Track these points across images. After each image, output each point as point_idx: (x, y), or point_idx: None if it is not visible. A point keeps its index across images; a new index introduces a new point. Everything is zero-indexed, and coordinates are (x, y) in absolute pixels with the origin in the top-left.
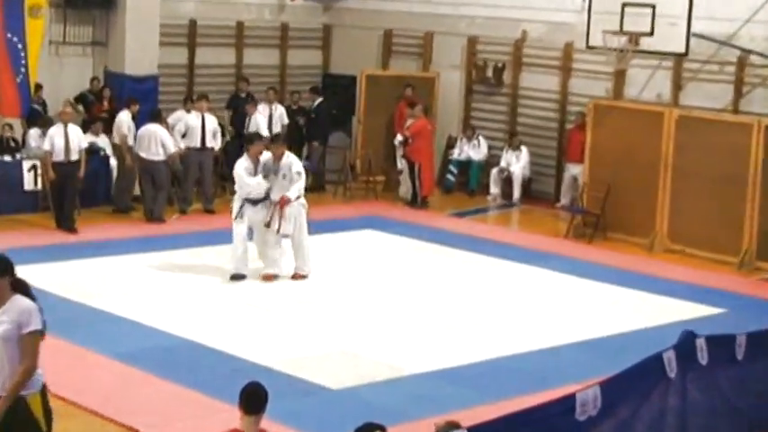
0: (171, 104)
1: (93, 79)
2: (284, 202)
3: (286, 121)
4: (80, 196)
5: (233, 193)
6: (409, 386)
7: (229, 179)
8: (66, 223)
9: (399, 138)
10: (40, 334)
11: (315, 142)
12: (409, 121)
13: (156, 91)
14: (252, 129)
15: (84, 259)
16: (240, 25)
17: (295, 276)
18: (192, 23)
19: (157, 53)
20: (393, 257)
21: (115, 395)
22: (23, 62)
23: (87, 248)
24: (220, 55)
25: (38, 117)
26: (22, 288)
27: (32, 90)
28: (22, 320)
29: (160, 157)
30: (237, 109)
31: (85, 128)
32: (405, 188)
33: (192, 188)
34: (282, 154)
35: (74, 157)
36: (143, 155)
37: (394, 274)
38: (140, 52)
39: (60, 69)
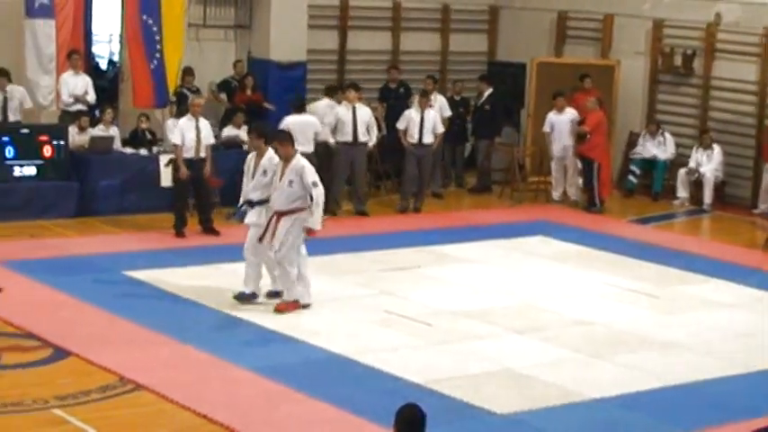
0: (320, 94)
1: (237, 62)
2: (311, 233)
3: (448, 113)
4: (221, 194)
5: (389, 192)
6: (585, 412)
7: (384, 177)
8: (205, 225)
9: (546, 128)
10: None
11: (483, 138)
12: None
13: (304, 79)
14: (404, 122)
15: (224, 264)
16: (397, 6)
17: (278, 307)
18: (344, 5)
19: (305, 37)
20: (565, 268)
21: (257, 412)
22: (158, 47)
23: (228, 252)
24: (375, 39)
25: (184, 104)
26: None
27: (174, 77)
28: None
29: (311, 149)
30: (390, 100)
31: (226, 119)
32: (559, 192)
33: (343, 187)
34: (292, 156)
35: (203, 153)
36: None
37: (566, 287)
38: (287, 36)
39: (200, 54)
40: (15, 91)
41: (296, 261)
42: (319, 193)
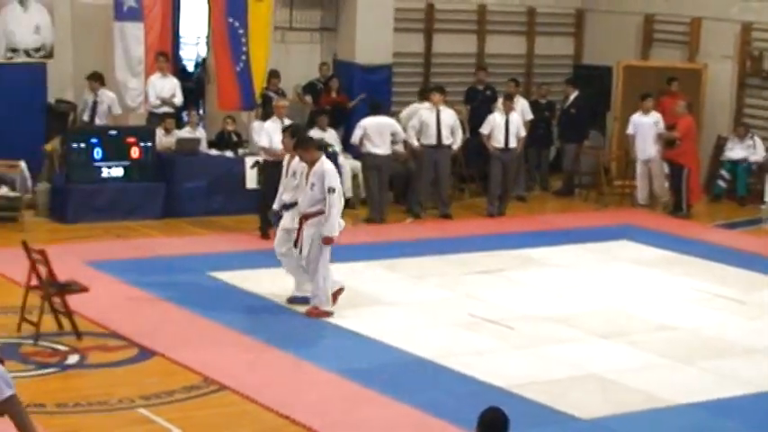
0: (405, 97)
1: (323, 65)
2: (326, 241)
3: (530, 116)
4: None
5: (473, 195)
6: (671, 418)
7: (469, 180)
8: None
9: (630, 130)
10: (12, 399)
11: (569, 142)
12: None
13: (390, 82)
14: (488, 127)
15: None
16: (482, 9)
17: (309, 312)
18: (430, 7)
19: (391, 40)
20: (650, 272)
21: (340, 414)
22: (244, 49)
23: None
24: (460, 42)
25: (268, 107)
26: None
27: (260, 79)
28: None
29: (388, 151)
30: (475, 103)
31: (311, 121)
32: (643, 195)
33: (427, 190)
34: (316, 159)
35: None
36: (373, 150)
37: (651, 292)
38: (373, 39)
39: (287, 57)
40: (105, 96)
41: (324, 267)
42: (334, 199)
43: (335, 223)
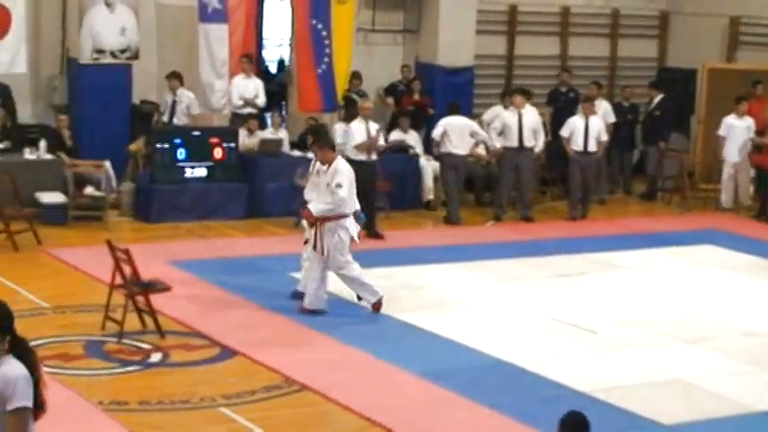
0: (487, 99)
1: (405, 66)
2: (306, 215)
3: (612, 119)
4: (387, 199)
5: (555, 198)
6: (756, 426)
7: (551, 183)
8: (370, 229)
9: (722, 131)
10: (26, 411)
11: (653, 144)
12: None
13: (471, 84)
14: (567, 130)
15: (388, 267)
16: (566, 11)
17: (302, 309)
18: (513, 9)
19: (473, 42)
20: (734, 277)
21: (421, 416)
22: (327, 51)
23: (392, 255)
24: (542, 44)
25: (351, 107)
26: (21, 349)
27: (342, 81)
28: (5, 393)
29: (466, 151)
30: (558, 105)
31: (393, 123)
32: (726, 196)
33: (509, 193)
34: (332, 159)
35: (374, 156)
36: (452, 150)
37: (735, 297)
38: (455, 41)
39: (369, 59)
40: (184, 95)
41: (350, 264)
42: (339, 195)
43: (325, 207)
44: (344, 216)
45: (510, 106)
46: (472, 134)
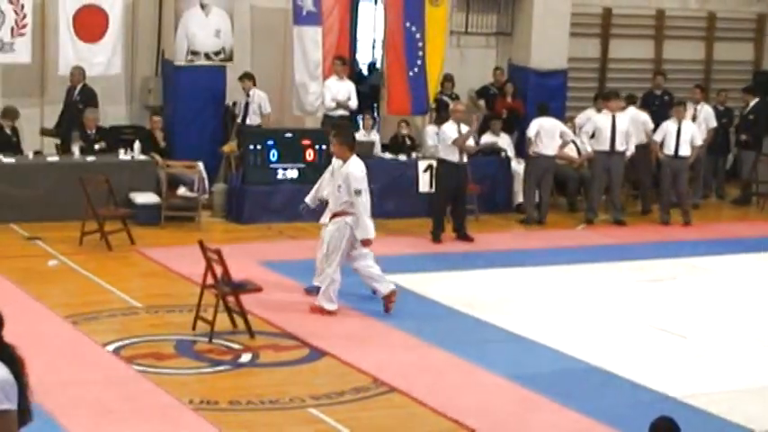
0: (580, 102)
1: (497, 69)
2: (365, 243)
3: (713, 123)
4: (478, 201)
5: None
6: None
7: (641, 187)
8: (460, 231)
9: None
10: (8, 414)
11: (748, 149)
12: None
13: (564, 87)
14: (660, 134)
15: (478, 270)
16: (660, 14)
17: (312, 309)
18: (607, 12)
19: (567, 45)
20: None
21: (509, 419)
22: (420, 53)
23: (482, 258)
24: (637, 48)
25: (443, 110)
26: (8, 354)
27: (434, 84)
28: None
29: (554, 152)
30: (652, 108)
31: (485, 126)
32: None
33: (600, 196)
34: (346, 158)
35: (465, 158)
36: (542, 151)
37: None
38: (548, 44)
39: (461, 61)
40: (256, 95)
41: (338, 265)
42: (361, 202)
43: (367, 225)
44: (349, 213)
45: (603, 109)
46: (561, 135)
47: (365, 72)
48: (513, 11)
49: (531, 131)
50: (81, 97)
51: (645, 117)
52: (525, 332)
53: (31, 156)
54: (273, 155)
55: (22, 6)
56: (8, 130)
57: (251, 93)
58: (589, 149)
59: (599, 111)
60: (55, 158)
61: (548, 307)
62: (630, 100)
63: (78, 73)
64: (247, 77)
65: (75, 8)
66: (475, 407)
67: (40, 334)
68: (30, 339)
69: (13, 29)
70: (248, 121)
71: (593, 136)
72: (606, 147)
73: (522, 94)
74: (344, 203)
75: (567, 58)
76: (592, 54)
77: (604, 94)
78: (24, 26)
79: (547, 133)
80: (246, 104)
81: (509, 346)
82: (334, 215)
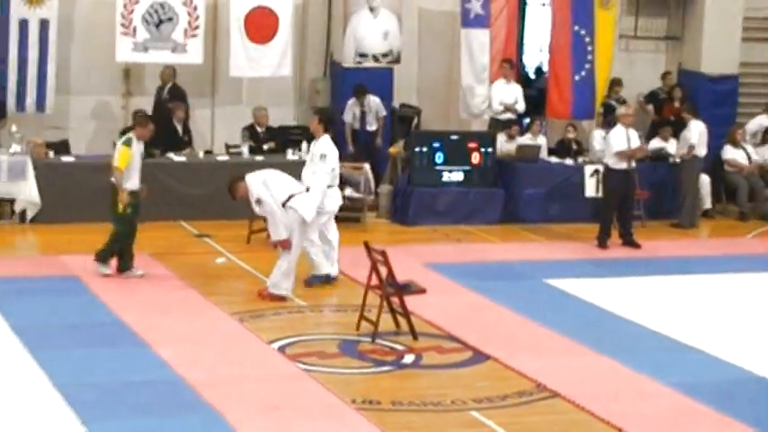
0: (751, 108)
1: (666, 74)
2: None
3: None
4: (644, 207)
5: None
6: None
7: None
8: (626, 237)
9: None
10: None
11: None
12: None
13: (736, 93)
14: None
15: (644, 276)
16: None
17: (260, 293)
18: None
19: (738, 50)
20: None
21: (673, 429)
22: (589, 57)
23: (648, 265)
24: None
25: (611, 115)
26: None
27: (602, 88)
28: None
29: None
30: None
31: (653, 131)
32: None
33: None
34: (316, 132)
35: (633, 163)
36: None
37: None
38: (719, 49)
39: (630, 66)
40: (372, 102)
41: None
42: (322, 168)
43: (311, 203)
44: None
45: None
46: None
47: (532, 76)
48: (684, 15)
49: (694, 136)
50: (170, 96)
51: None
52: (689, 340)
53: (201, 155)
54: (439, 157)
55: (195, 8)
56: (179, 128)
57: (365, 102)
58: (756, 158)
59: None
60: (225, 158)
61: (714, 316)
62: None
63: (169, 72)
64: (361, 92)
65: (247, 10)
66: (639, 415)
67: (208, 330)
68: (197, 335)
69: (186, 30)
70: (368, 128)
71: (764, 143)
72: None
73: (692, 99)
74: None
75: (738, 63)
76: (765, 59)
77: None
78: (197, 28)
79: (702, 135)
80: (363, 114)
81: (673, 354)
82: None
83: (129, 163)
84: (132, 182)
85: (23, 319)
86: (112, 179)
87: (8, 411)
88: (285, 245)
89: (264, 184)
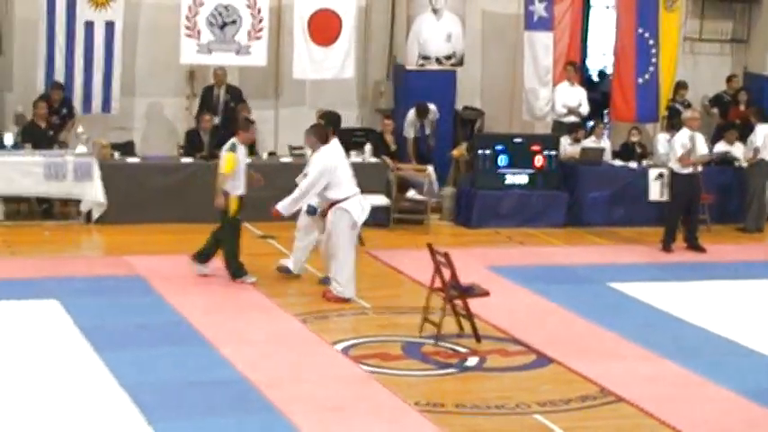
0: None
1: (732, 77)
2: (274, 214)
3: None
4: (709, 212)
5: None
6: None
7: None
8: (691, 241)
9: None
10: None
11: None
12: None
13: None
14: None
15: (709, 281)
16: None
17: (324, 295)
18: None
19: None
20: None
21: None
22: (654, 60)
23: (713, 269)
24: None
25: (675, 118)
26: None
27: (666, 91)
28: None
29: None
30: None
31: (718, 135)
32: None
33: None
34: (313, 147)
35: (699, 167)
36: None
37: None
38: None
39: (694, 68)
40: (430, 113)
41: (346, 253)
42: (304, 183)
43: (290, 203)
44: (339, 200)
45: None
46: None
47: (595, 78)
48: (750, 17)
49: (759, 139)
50: (230, 97)
51: None
52: (754, 345)
53: (265, 156)
54: (503, 160)
55: (259, 10)
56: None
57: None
58: None
59: None
60: (288, 159)
61: None
62: None
63: (222, 73)
64: (423, 112)
65: (311, 12)
66: (703, 420)
67: (272, 331)
68: (262, 336)
69: (249, 32)
70: (426, 136)
71: None
72: None
73: (758, 103)
74: (327, 190)
75: None
76: None
77: None
78: (261, 30)
79: (767, 139)
80: (422, 125)
81: (739, 360)
82: (331, 205)
83: (234, 168)
84: (239, 188)
85: (89, 318)
86: (224, 187)
87: (76, 412)
88: (276, 215)
89: (328, 169)
